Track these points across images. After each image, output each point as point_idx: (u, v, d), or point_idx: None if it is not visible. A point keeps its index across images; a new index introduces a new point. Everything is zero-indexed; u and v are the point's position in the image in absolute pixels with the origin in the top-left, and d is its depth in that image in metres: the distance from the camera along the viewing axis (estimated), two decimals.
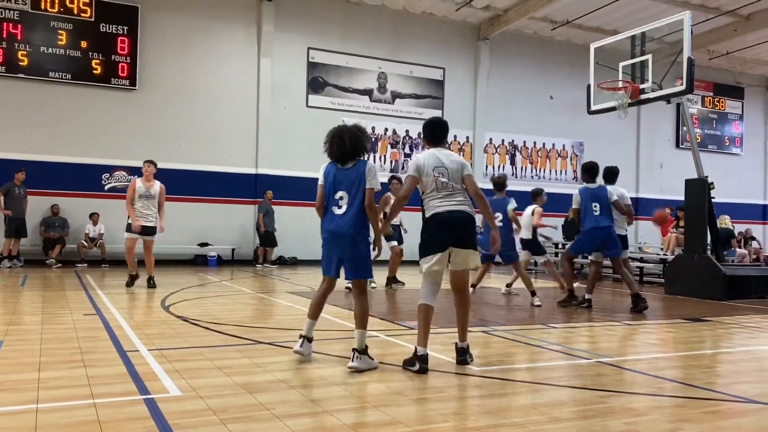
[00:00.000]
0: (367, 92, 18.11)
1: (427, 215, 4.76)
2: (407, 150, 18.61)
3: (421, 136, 5.16)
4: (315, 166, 18.86)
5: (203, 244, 15.79)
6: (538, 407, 3.69)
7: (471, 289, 9.10)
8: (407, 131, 18.60)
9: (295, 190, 16.84)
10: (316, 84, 17.46)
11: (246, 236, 16.44)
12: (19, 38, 14.36)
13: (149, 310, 7.62)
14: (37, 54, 14.53)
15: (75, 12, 14.84)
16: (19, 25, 14.38)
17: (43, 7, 14.56)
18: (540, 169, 20.51)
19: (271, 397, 3.77)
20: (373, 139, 18.15)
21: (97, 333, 5.86)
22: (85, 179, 14.95)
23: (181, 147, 15.73)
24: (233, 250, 16.19)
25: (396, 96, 18.47)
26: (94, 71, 15.00)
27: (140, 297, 8.87)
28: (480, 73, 19.38)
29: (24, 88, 14.47)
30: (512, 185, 17.55)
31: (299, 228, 16.47)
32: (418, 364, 4.44)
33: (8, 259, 13.41)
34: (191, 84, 16.02)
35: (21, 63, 14.38)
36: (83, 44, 14.89)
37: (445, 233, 4.63)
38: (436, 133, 4.98)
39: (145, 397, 3.68)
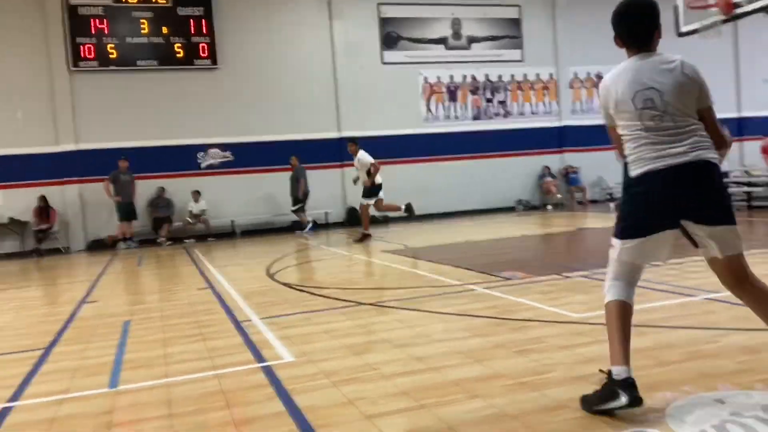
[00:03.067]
0: (442, 41, 17.79)
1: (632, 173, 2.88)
2: (488, 95, 18.22)
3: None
4: (395, 123, 18.86)
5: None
6: (644, 351, 3.64)
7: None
8: (486, 75, 18.18)
9: (379, 149, 16.95)
10: (389, 39, 17.32)
11: (336, 200, 16.80)
12: (106, 32, 15.08)
13: (256, 280, 8.03)
14: (123, 45, 15.22)
15: (153, 0, 15.36)
16: (105, 20, 15.07)
17: (123, 0, 15.17)
18: None
19: (377, 357, 3.95)
20: (453, 88, 17.91)
21: (211, 306, 6.27)
22: (183, 159, 15.68)
23: (265, 118, 16.14)
24: (326, 213, 16.62)
25: (472, 40, 18.03)
26: (177, 55, 15.55)
27: (246, 267, 9.35)
28: (558, 4, 18.52)
29: (116, 80, 15.25)
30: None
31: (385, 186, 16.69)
32: (622, 393, 2.70)
33: (123, 241, 14.43)
34: (268, 55, 16.30)
35: (111, 56, 15.12)
36: (164, 30, 15.44)
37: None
38: (629, 26, 2.92)
39: (262, 365, 3.95)
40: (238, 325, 5.22)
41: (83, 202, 14.96)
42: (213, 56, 15.73)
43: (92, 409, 3.38)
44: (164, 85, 15.55)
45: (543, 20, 18.54)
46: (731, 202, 2.96)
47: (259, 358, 4.12)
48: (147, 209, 15.26)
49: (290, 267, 8.96)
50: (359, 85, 16.87)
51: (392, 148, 17.14)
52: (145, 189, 15.09)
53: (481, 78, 18.16)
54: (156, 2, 15.37)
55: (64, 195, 14.78)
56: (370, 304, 5.68)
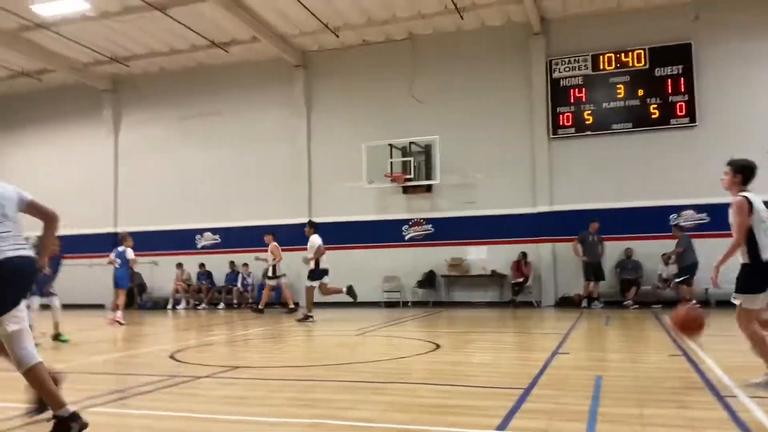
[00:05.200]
0: None
1: None
2: None
3: None
4: None
5: None
6: None
7: None
8: None
9: None
10: None
11: None
12: (583, 100, 15.97)
13: (741, 353, 7.10)
14: (599, 110, 15.83)
15: (630, 64, 15.59)
16: (583, 89, 15.99)
17: (601, 67, 15.85)
18: None
19: None
20: None
21: (685, 374, 5.82)
22: (654, 221, 15.21)
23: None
24: None
25: None
26: (652, 116, 15.36)
27: (728, 339, 8.40)
28: None
29: (589, 144, 15.90)
30: None
31: None
32: (73, 425, 3.77)
33: (589, 300, 14.68)
34: (750, 108, 14.70)
35: (587, 122, 15.90)
36: (640, 92, 15.47)
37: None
38: None
39: None
40: (719, 398, 4.69)
41: (555, 260, 15.88)
42: (691, 114, 15.01)
43: None
44: (636, 146, 15.48)
45: None
46: None
47: None
48: (614, 270, 15.25)
49: None
50: None
51: None
52: (613, 250, 15.16)
53: None
54: (633, 66, 15.58)
55: (538, 252, 15.96)
56: None
